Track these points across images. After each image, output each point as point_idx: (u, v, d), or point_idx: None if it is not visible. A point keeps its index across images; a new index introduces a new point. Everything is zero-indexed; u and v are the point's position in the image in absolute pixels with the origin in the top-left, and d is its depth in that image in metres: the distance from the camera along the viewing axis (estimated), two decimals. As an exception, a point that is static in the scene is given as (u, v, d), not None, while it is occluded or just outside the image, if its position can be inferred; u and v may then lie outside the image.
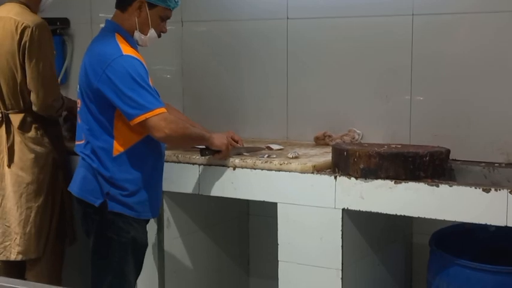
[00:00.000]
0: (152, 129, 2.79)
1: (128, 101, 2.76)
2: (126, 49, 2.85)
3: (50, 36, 3.41)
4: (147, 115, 2.76)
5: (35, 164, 3.41)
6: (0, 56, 3.37)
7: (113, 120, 2.85)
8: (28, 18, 3.33)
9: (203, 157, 3.13)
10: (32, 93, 3.36)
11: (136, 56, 2.86)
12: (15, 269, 3.49)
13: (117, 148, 2.86)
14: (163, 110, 2.81)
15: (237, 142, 3.21)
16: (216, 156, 3.09)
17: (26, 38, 3.30)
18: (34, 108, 3.38)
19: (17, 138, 3.41)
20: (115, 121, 2.85)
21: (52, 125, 3.52)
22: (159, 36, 3.03)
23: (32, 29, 3.30)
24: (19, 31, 3.30)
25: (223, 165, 3.13)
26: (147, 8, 2.94)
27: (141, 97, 2.77)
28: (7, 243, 3.42)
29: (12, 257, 3.41)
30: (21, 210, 3.40)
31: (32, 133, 3.42)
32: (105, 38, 2.92)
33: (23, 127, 3.41)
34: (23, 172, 3.40)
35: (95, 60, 2.84)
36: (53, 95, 3.40)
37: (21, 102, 3.41)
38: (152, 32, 2.98)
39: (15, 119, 3.42)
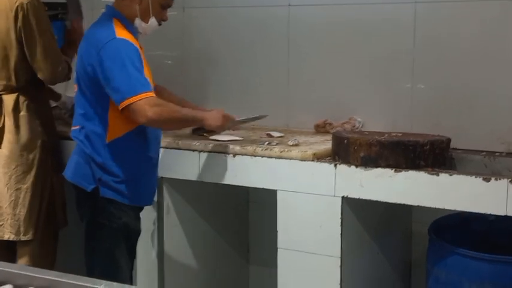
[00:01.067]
0: (135, 114, 2.73)
1: (115, 84, 2.74)
2: (120, 32, 2.83)
3: (44, 10, 3.43)
4: (134, 99, 2.71)
5: (24, 146, 3.42)
6: None
7: (107, 106, 2.84)
8: None
9: (194, 134, 3.11)
10: (39, 68, 3.37)
11: (130, 40, 2.84)
12: (8, 252, 3.51)
13: (111, 134, 2.85)
14: (150, 94, 2.75)
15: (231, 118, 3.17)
16: (211, 134, 3.07)
17: (21, 15, 3.31)
18: (45, 81, 3.42)
19: (8, 119, 3.42)
20: (110, 106, 2.83)
21: (43, 107, 3.53)
22: (160, 24, 3.02)
23: (27, 5, 3.31)
24: (13, 9, 3.31)
25: (223, 152, 3.13)
26: None
27: (129, 80, 2.73)
28: (0, 224, 3.44)
29: (6, 237, 3.44)
30: (10, 192, 3.41)
31: (22, 114, 3.42)
32: (102, 23, 2.92)
33: (15, 108, 3.42)
34: (12, 153, 3.41)
35: (89, 43, 2.84)
36: (60, 63, 3.43)
37: (14, 81, 3.41)
38: (153, 20, 2.96)
39: (8, 99, 3.42)
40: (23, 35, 3.33)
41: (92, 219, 2.92)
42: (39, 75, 3.40)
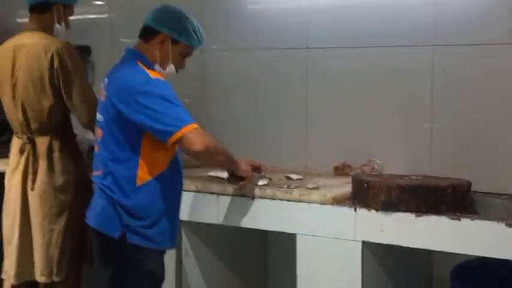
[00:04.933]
0: (190, 143, 2.72)
1: (163, 120, 2.72)
2: (152, 73, 2.85)
3: (77, 53, 3.47)
4: (184, 130, 2.72)
5: (58, 187, 3.44)
6: (26, 81, 3.41)
7: (139, 149, 2.83)
8: (53, 41, 3.39)
9: (230, 184, 3.10)
10: (77, 112, 3.42)
11: (163, 79, 2.86)
12: None
13: (141, 178, 2.84)
14: (197, 125, 2.77)
15: (259, 168, 3.18)
16: (240, 184, 3.06)
17: (57, 59, 3.36)
18: (83, 124, 3.45)
19: (42, 161, 3.45)
20: (141, 150, 2.83)
21: (74, 148, 3.56)
22: (177, 71, 3.03)
23: (62, 50, 3.36)
24: (49, 55, 3.36)
25: (242, 195, 3.12)
26: (169, 43, 2.94)
27: (176, 113, 2.74)
28: (35, 264, 3.45)
29: (38, 278, 3.44)
30: (43, 232, 3.42)
31: (55, 156, 3.46)
32: (129, 65, 2.91)
33: (48, 150, 3.45)
34: (46, 194, 3.43)
35: (121, 88, 2.81)
36: (96, 107, 3.42)
37: (47, 126, 3.45)
38: (171, 67, 2.98)
39: (41, 142, 3.46)
40: (60, 78, 3.38)
41: (118, 266, 2.89)
42: (77, 117, 3.45)
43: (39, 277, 3.44)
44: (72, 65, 3.38)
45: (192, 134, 2.73)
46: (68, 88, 3.39)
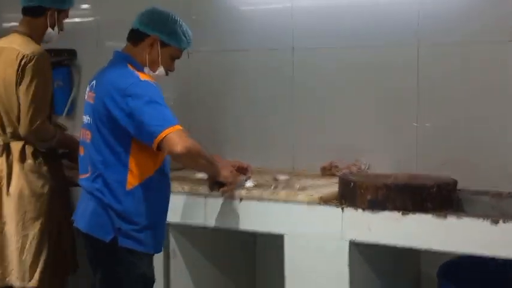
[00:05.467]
0: (171, 145, 2.70)
1: (149, 122, 2.71)
2: (142, 75, 2.85)
3: (49, 67, 3.44)
4: (168, 131, 2.70)
5: (32, 192, 3.43)
6: (1, 85, 3.40)
7: (128, 152, 2.82)
8: (29, 48, 3.37)
9: (211, 191, 3.08)
10: (21, 117, 3.37)
11: (152, 81, 2.86)
12: None
13: (131, 181, 2.83)
14: (181, 127, 2.76)
15: (246, 169, 3.18)
16: (221, 190, 3.04)
17: (23, 66, 3.34)
18: (20, 132, 3.38)
19: (16, 166, 3.43)
20: (131, 153, 2.82)
21: (50, 153, 3.53)
22: (167, 74, 3.03)
23: (30, 58, 3.34)
24: (18, 60, 3.34)
25: (229, 197, 3.12)
26: (159, 46, 2.94)
27: (162, 115, 2.74)
28: (10, 269, 3.44)
29: (13, 283, 3.43)
30: (17, 238, 3.42)
31: (30, 161, 3.44)
32: (118, 67, 2.90)
33: (22, 155, 3.43)
34: (20, 200, 3.42)
35: (112, 89, 2.80)
36: (40, 117, 3.38)
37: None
38: (161, 70, 2.98)
39: (15, 147, 3.44)
40: (20, 82, 3.35)
41: (110, 270, 2.87)
42: (20, 123, 3.39)
43: (15, 280, 3.42)
44: (32, 73, 3.34)
45: (175, 135, 2.71)
46: (21, 92, 3.35)
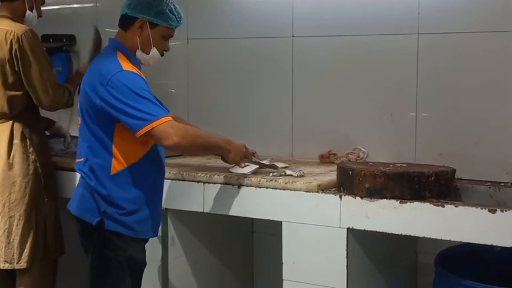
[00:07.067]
0: (160, 138, 2.76)
1: (132, 113, 2.75)
2: (126, 65, 2.86)
3: (39, 40, 3.49)
4: (153, 124, 2.74)
5: (16, 174, 3.45)
6: None
7: (112, 138, 2.85)
8: (16, 27, 3.40)
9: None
10: (37, 95, 3.43)
11: (135, 71, 2.87)
12: (7, 282, 3.53)
13: (115, 166, 2.86)
14: (169, 118, 2.78)
15: (253, 154, 3.20)
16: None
17: (15, 45, 3.37)
18: (45, 107, 3.48)
19: (1, 147, 3.45)
20: (114, 139, 2.85)
21: (37, 135, 3.56)
22: (162, 54, 3.04)
23: (21, 36, 3.37)
24: (8, 40, 3.37)
25: (228, 183, 3.13)
26: (148, 28, 2.94)
27: (145, 107, 2.75)
28: None
29: (1, 266, 3.45)
30: (4, 220, 3.44)
31: (15, 142, 3.46)
32: (106, 56, 2.94)
33: (9, 136, 3.46)
34: (5, 181, 3.44)
35: (95, 77, 2.84)
36: (58, 89, 3.48)
37: (8, 110, 3.46)
38: (154, 51, 2.99)
39: (3, 128, 3.47)
40: (20, 64, 3.38)
41: (97, 252, 2.91)
42: (38, 103, 3.45)
43: (3, 264, 3.44)
44: (30, 51, 3.39)
45: (162, 128, 2.75)
46: (27, 73, 3.40)
